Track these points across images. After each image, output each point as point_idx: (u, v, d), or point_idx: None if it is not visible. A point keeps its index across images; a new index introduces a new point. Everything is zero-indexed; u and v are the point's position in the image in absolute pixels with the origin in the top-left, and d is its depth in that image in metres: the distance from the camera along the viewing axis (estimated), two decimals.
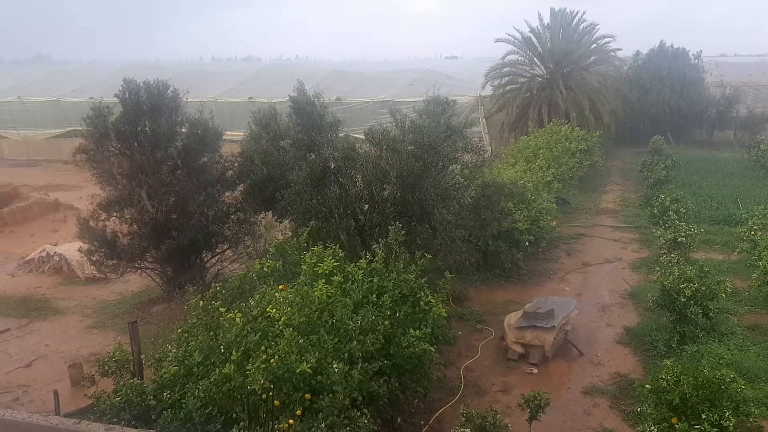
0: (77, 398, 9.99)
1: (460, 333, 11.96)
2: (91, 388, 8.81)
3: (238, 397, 7.30)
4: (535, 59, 33.30)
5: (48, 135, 38.58)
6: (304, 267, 9.63)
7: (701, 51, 40.84)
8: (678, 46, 40.19)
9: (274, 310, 8.40)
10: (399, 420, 8.91)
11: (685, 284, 11.32)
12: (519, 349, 11.57)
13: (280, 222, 14.48)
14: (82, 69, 49.05)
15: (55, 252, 17.37)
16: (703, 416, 7.14)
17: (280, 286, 9.22)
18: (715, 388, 7.39)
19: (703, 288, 11.38)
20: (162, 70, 35.30)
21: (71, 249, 17.07)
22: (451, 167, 12.85)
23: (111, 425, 6.78)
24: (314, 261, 9.63)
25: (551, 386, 10.20)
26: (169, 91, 13.94)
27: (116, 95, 13.73)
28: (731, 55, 64.92)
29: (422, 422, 9.33)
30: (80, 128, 14.41)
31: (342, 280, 9.22)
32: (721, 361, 10.38)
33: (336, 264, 9.54)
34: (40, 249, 17.87)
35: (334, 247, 10.16)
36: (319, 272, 9.31)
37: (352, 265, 9.68)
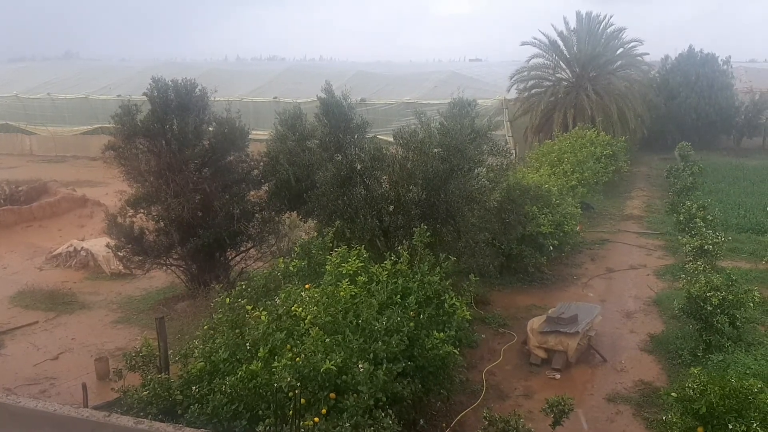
0: (103, 392, 10.13)
1: (483, 336, 11.93)
2: (118, 382, 8.94)
3: (264, 394, 7.37)
4: (561, 63, 33.09)
5: (76, 131, 39.05)
6: (328, 267, 9.68)
7: (730, 56, 40.35)
8: (708, 51, 39.80)
9: (300, 308, 8.47)
10: (421, 422, 8.91)
11: (711, 292, 11.19)
12: (542, 354, 11.52)
13: (305, 222, 14.55)
14: (110, 67, 49.47)
15: (82, 247, 17.60)
16: (730, 426, 7.09)
17: (306, 285, 9.28)
18: (742, 398, 7.32)
19: (731, 296, 11.24)
20: (189, 68, 35.59)
21: (98, 244, 17.33)
22: (476, 170, 12.84)
23: (139, 419, 6.88)
24: (338, 261, 9.68)
25: (574, 392, 10.14)
26: (196, 89, 14.05)
27: (145, 93, 13.87)
28: (761, 60, 63.95)
29: (444, 425, 9.33)
30: (108, 125, 14.59)
31: (366, 280, 9.26)
32: (747, 371, 10.22)
33: (360, 265, 9.58)
34: (67, 244, 18.13)
35: (359, 247, 10.20)
36: (344, 272, 9.36)
37: (377, 266, 9.72)
